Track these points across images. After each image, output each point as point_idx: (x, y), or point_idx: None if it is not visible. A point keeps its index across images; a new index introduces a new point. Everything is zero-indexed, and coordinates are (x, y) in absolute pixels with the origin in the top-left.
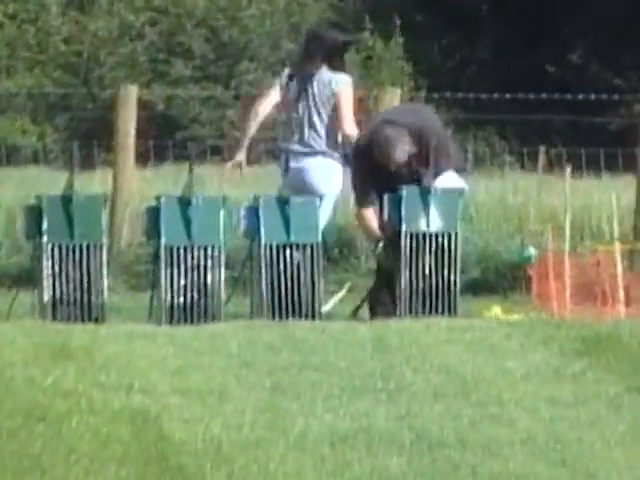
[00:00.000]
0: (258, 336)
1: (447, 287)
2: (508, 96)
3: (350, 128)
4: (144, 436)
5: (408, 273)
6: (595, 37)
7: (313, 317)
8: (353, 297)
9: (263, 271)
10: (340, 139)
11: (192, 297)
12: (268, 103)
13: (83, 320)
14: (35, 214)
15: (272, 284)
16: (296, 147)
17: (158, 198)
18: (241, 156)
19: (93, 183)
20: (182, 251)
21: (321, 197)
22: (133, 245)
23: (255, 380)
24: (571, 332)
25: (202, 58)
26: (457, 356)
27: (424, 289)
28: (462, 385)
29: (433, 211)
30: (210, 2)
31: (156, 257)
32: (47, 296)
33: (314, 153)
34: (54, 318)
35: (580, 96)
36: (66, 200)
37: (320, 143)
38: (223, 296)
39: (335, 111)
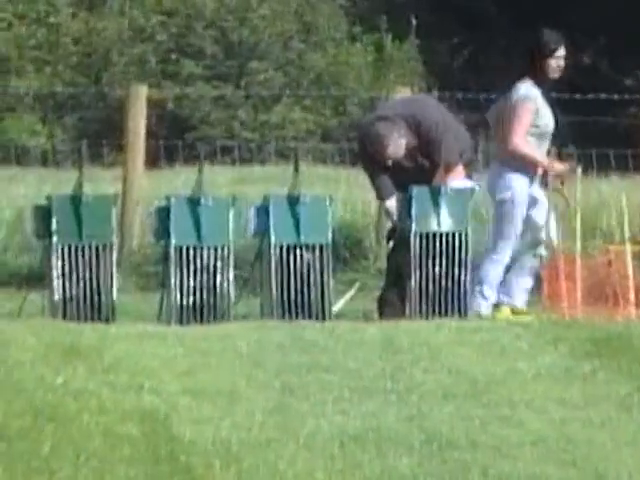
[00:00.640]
0: (268, 336)
1: (457, 288)
2: None
3: None
4: (154, 436)
5: (418, 273)
6: (606, 38)
7: (323, 318)
8: (363, 296)
9: (273, 271)
10: None
11: (202, 297)
12: None
13: (93, 320)
14: (45, 214)
15: (282, 284)
16: None
17: (168, 198)
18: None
19: (103, 183)
20: (192, 251)
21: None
22: (143, 245)
23: (265, 380)
24: (582, 333)
25: (212, 58)
26: (467, 357)
27: (434, 289)
28: (472, 386)
29: (444, 211)
30: (219, 3)
31: (166, 257)
32: (57, 296)
33: None
34: (64, 318)
35: (590, 96)
36: (76, 200)
37: None
38: (232, 296)
39: None
